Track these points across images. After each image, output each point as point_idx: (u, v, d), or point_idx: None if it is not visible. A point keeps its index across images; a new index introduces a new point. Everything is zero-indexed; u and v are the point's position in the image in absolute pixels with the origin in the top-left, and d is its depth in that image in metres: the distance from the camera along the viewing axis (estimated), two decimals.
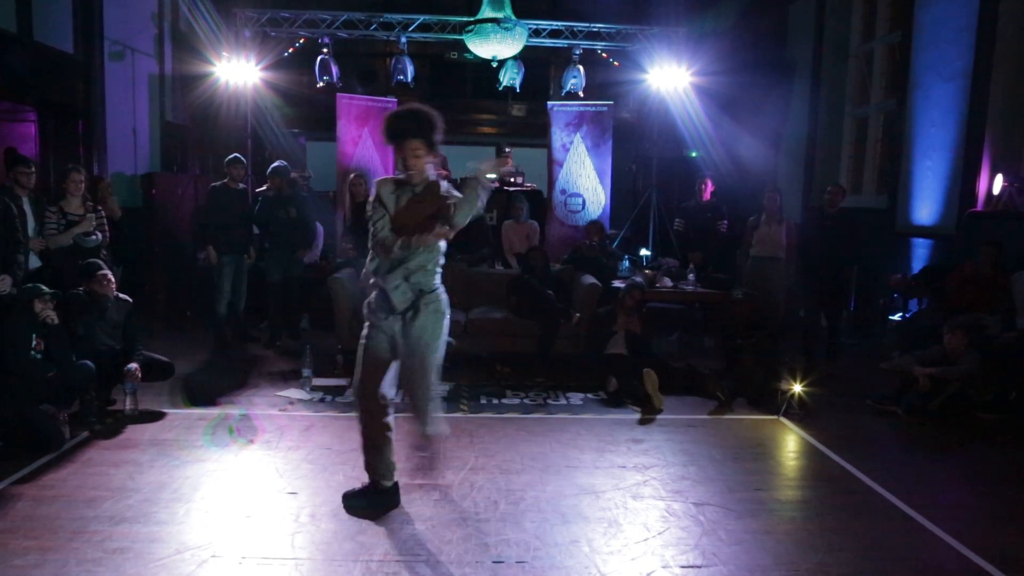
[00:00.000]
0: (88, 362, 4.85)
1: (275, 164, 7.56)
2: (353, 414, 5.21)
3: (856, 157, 10.08)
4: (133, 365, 5.12)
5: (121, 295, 5.39)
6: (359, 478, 4.07)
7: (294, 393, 5.74)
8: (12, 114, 7.76)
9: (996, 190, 7.14)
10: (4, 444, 4.42)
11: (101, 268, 5.24)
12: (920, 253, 8.06)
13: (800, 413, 5.47)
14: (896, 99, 8.79)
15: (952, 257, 7.15)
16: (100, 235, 6.09)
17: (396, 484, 3.76)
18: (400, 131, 3.44)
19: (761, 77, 10.66)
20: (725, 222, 8.14)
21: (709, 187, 8.29)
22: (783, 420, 5.40)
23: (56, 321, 4.70)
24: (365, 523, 3.58)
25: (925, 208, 8.11)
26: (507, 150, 11.14)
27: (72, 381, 4.76)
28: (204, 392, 5.70)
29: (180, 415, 5.18)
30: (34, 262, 5.70)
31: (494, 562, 3.24)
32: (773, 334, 6.38)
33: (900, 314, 7.78)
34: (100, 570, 3.08)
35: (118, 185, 8.23)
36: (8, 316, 4.60)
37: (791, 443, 5.02)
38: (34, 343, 4.61)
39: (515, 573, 3.16)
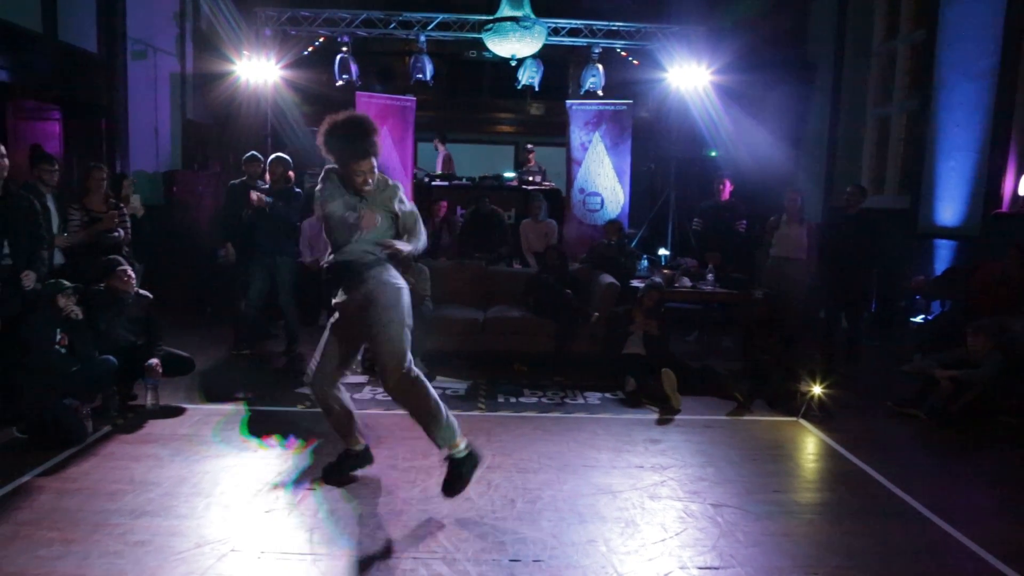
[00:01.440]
0: (110, 357, 4.90)
1: (278, 153, 7.08)
2: (375, 411, 5.26)
3: (878, 157, 9.98)
4: (154, 360, 5.17)
5: (142, 291, 5.44)
6: (378, 475, 4.09)
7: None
8: (37, 112, 7.86)
9: (1022, 191, 7.05)
10: (29, 437, 4.49)
11: (121, 264, 5.29)
12: (943, 254, 7.96)
13: (820, 415, 5.43)
14: (919, 98, 8.70)
15: (976, 258, 7.06)
16: (122, 232, 6.15)
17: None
18: (364, 151, 3.51)
19: (782, 76, 10.58)
20: (743, 222, 8.09)
21: (727, 187, 8.25)
22: (802, 422, 5.36)
23: (80, 316, 4.76)
24: (383, 520, 3.59)
25: (948, 209, 8.02)
26: (529, 148, 11.14)
27: (95, 376, 4.82)
28: (223, 388, 5.74)
29: (200, 411, 5.22)
30: (58, 259, 5.76)
31: (511, 560, 3.24)
32: (792, 335, 6.34)
33: (922, 316, 7.70)
34: (121, 563, 3.12)
35: (140, 183, 8.31)
36: (33, 312, 4.66)
37: (810, 445, 4.98)
38: (58, 338, 4.67)
39: (532, 572, 3.16)
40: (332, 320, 3.80)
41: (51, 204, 5.69)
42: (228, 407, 5.31)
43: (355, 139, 3.52)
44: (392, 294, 3.62)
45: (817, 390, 5.51)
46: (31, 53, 7.17)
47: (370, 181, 3.58)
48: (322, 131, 3.56)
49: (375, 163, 3.58)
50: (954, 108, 8.01)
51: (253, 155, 7.29)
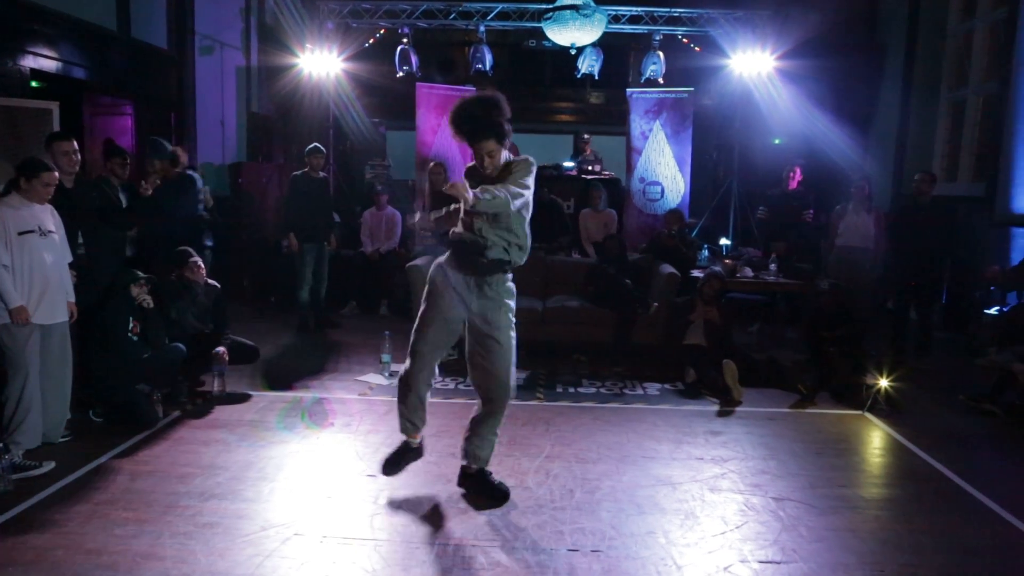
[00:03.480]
0: (180, 345, 5.06)
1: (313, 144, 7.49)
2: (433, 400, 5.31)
3: (952, 143, 9.60)
4: (221, 348, 5.32)
5: (210, 281, 5.60)
6: (436, 463, 4.13)
7: (373, 378, 5.86)
8: (111, 108, 8.15)
9: None
10: (104, 421, 4.68)
11: (193, 255, 5.46)
12: (1021, 244, 7.62)
13: (887, 408, 5.28)
14: (998, 81, 8.33)
15: None
16: None
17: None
18: (475, 132, 3.36)
19: (850, 60, 10.25)
20: (811, 211, 7.90)
21: (798, 175, 8.06)
22: (868, 415, 5.22)
23: (152, 305, 4.92)
24: (442, 507, 3.63)
25: None
26: (586, 137, 11.06)
27: (166, 363, 4.98)
28: (287, 376, 5.87)
29: (264, 397, 5.35)
30: (129, 250, 5.96)
31: (569, 550, 3.24)
32: (859, 326, 6.16)
33: (997, 308, 7.40)
34: (191, 543, 3.23)
35: (207, 174, 8.54)
36: (108, 301, 4.84)
37: (877, 439, 4.84)
38: (131, 326, 4.84)
39: (590, 562, 3.15)
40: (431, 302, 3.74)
41: (123, 197, 5.88)
42: (291, 394, 5.43)
43: (477, 118, 3.36)
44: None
45: (884, 383, 5.35)
46: (107, 51, 7.44)
47: (489, 163, 3.42)
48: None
49: (495, 146, 3.38)
50: None
51: (316, 147, 7.44)
